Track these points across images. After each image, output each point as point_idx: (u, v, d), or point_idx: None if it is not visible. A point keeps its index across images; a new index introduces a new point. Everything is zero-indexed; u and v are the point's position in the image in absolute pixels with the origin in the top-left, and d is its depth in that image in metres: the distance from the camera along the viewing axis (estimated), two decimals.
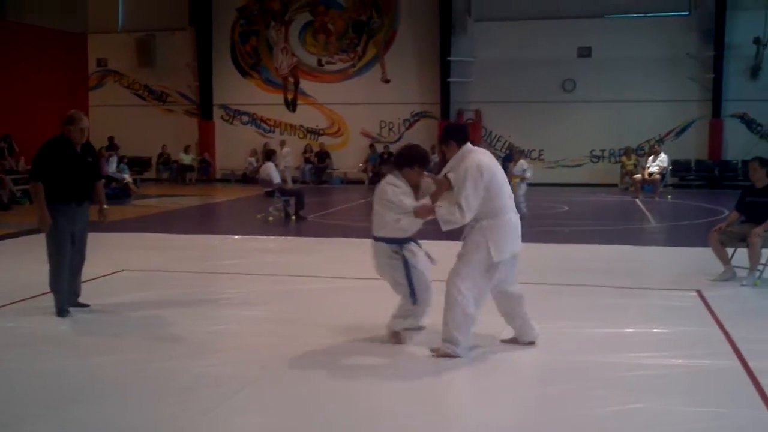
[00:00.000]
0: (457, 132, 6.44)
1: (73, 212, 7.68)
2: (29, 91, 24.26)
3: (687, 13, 26.71)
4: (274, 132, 29.92)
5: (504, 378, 5.91)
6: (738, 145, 26.12)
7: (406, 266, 6.45)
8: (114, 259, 10.80)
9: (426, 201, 6.31)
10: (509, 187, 6.38)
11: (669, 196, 22.13)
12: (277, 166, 17.30)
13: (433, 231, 6.62)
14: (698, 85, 26.64)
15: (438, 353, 6.21)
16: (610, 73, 26.80)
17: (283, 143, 27.66)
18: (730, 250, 9.67)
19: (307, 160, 29.06)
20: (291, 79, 29.83)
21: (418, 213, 6.27)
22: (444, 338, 6.21)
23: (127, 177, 23.17)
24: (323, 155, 29.08)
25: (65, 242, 7.63)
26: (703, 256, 10.41)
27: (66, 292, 7.73)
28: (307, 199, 17.17)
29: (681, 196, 22.57)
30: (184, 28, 30.02)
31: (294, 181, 25.31)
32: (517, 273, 6.50)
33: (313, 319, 7.57)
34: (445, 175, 6.23)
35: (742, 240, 9.44)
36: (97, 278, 9.32)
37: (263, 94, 30.03)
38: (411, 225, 6.40)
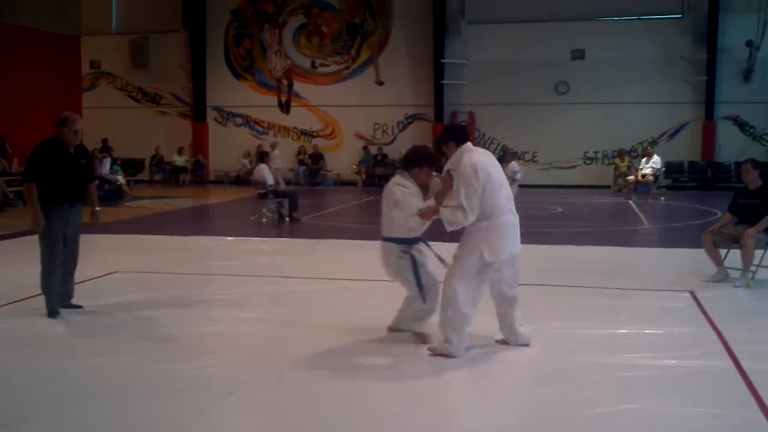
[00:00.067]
0: (455, 132, 6.47)
1: (66, 213, 7.68)
2: (23, 92, 24.26)
3: (680, 15, 26.77)
4: (267, 134, 29.89)
5: (500, 378, 5.93)
6: (731, 147, 26.19)
7: (414, 265, 6.48)
8: (107, 260, 10.79)
9: (431, 202, 6.34)
10: (508, 188, 6.38)
11: (662, 198, 22.18)
12: (270, 168, 17.28)
13: (437, 233, 6.65)
14: (691, 88, 26.70)
15: (435, 352, 6.25)
16: (603, 75, 26.83)
17: (274, 145, 27.61)
18: (723, 252, 9.70)
19: (300, 162, 29.05)
20: (285, 81, 29.81)
21: (423, 214, 6.30)
22: (441, 338, 6.24)
23: (121, 179, 23.12)
24: (317, 157, 29.07)
25: (57, 243, 7.63)
26: (696, 258, 10.44)
27: (57, 293, 7.72)
28: (301, 200, 17.16)
29: (674, 198, 22.62)
30: (178, 30, 29.97)
31: (288, 182, 25.30)
32: (517, 277, 6.51)
33: (307, 320, 7.58)
34: (448, 171, 6.24)
35: (735, 241, 9.47)
36: (90, 279, 9.31)
37: (257, 96, 30.01)
38: (419, 225, 6.42)
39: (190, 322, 7.55)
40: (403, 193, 6.42)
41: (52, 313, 7.63)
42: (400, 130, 28.96)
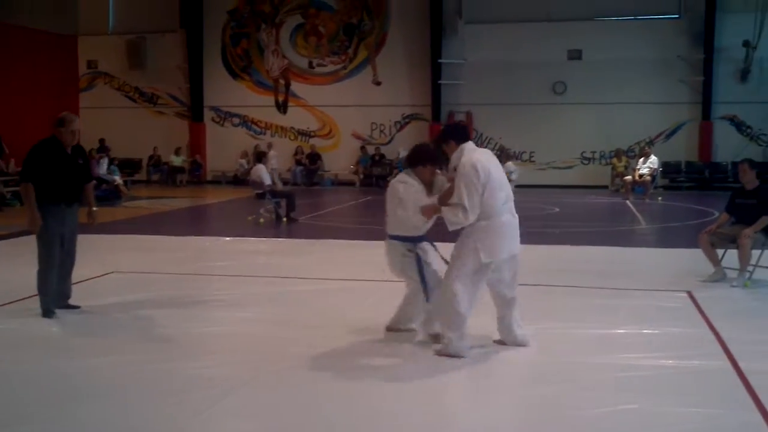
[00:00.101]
0: (455, 131, 6.48)
1: (63, 213, 7.69)
2: (20, 92, 24.20)
3: (677, 16, 26.81)
4: (265, 134, 29.89)
5: (498, 379, 5.94)
6: (728, 147, 26.23)
7: (419, 263, 6.49)
8: (104, 260, 10.77)
9: (433, 200, 6.35)
10: (509, 188, 6.37)
11: (659, 198, 22.20)
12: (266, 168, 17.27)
13: (437, 232, 6.67)
14: (688, 88, 26.74)
15: (441, 353, 6.26)
16: (600, 75, 26.87)
17: (269, 146, 27.62)
18: (720, 252, 9.71)
19: (298, 162, 29.04)
20: (282, 81, 29.81)
21: (424, 212, 6.31)
22: (443, 339, 6.26)
23: (118, 179, 23.09)
24: (314, 157, 29.06)
25: (54, 244, 7.63)
26: (693, 258, 10.44)
27: (53, 293, 7.72)
28: (298, 200, 17.16)
29: (671, 198, 22.65)
30: (175, 31, 29.97)
31: (285, 183, 25.29)
32: (517, 277, 6.52)
33: (305, 320, 7.58)
34: (455, 168, 6.24)
35: (732, 241, 9.49)
36: (87, 280, 9.30)
37: (254, 96, 30.01)
38: (422, 222, 6.43)
39: (189, 322, 7.55)
40: (406, 191, 6.44)
41: (47, 313, 7.63)
42: (398, 130, 28.97)
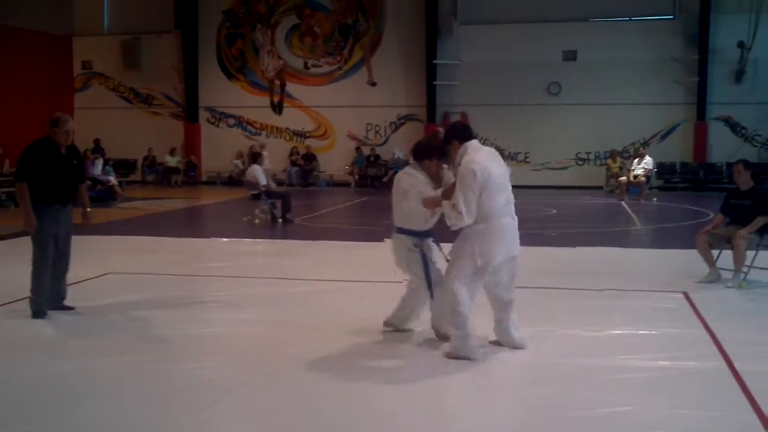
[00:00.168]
0: (457, 130, 6.45)
1: (57, 214, 7.69)
2: (14, 92, 24.20)
3: (672, 16, 26.85)
4: (260, 134, 29.87)
5: (496, 380, 5.94)
6: (722, 147, 26.28)
7: (425, 260, 6.51)
8: (100, 261, 10.76)
9: (437, 193, 6.35)
10: (509, 190, 6.35)
11: (654, 199, 22.24)
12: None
13: (439, 231, 6.70)
14: (683, 89, 26.79)
15: (450, 356, 6.27)
16: (595, 76, 26.90)
17: (262, 147, 27.58)
18: (715, 252, 9.73)
19: (293, 163, 29.02)
20: (277, 82, 29.80)
21: (425, 203, 6.33)
22: (450, 342, 6.29)
23: (113, 179, 23.06)
24: (310, 157, 29.05)
25: (49, 244, 7.64)
26: (688, 258, 10.46)
27: (46, 294, 7.73)
28: (294, 201, 17.14)
29: (666, 199, 22.68)
30: (170, 31, 29.93)
31: (280, 183, 25.30)
32: (515, 280, 6.52)
33: (302, 321, 7.58)
34: (459, 165, 6.24)
35: (728, 242, 9.51)
36: (83, 281, 9.30)
37: (249, 97, 29.98)
38: (424, 214, 6.44)
39: (185, 323, 7.55)
40: (410, 183, 6.46)
41: (38, 313, 7.63)
42: (393, 131, 28.98)
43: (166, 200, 22.36)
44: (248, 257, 11.86)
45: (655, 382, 5.79)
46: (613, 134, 26.66)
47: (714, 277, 9.52)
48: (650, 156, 22.83)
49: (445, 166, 6.61)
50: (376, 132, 29.15)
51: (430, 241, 6.66)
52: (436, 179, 6.58)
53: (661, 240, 14.39)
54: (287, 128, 29.83)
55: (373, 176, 28.16)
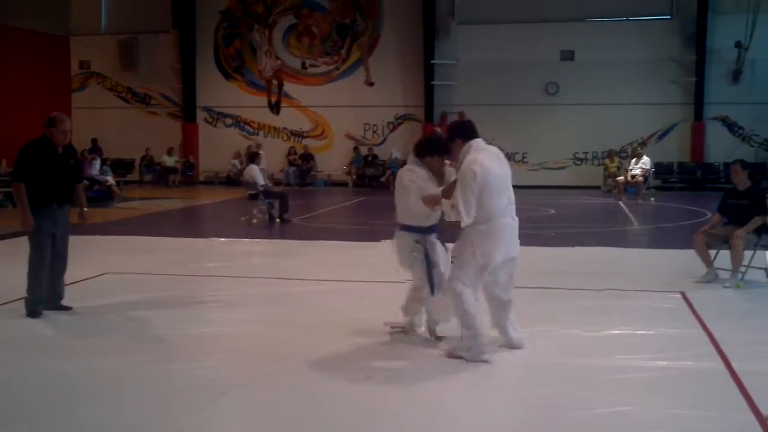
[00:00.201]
0: (460, 129, 6.42)
1: (55, 214, 7.70)
2: (12, 92, 24.18)
3: (669, 17, 26.88)
4: (257, 134, 29.85)
5: (495, 380, 5.94)
6: (720, 147, 26.32)
7: (427, 258, 6.50)
8: (98, 261, 10.75)
9: (437, 190, 6.34)
10: (511, 191, 6.33)
11: (652, 199, 22.25)
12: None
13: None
14: (680, 89, 26.81)
15: (450, 355, 6.28)
16: (593, 76, 26.92)
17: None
18: (712, 252, 9.74)
19: (291, 163, 29.02)
20: (275, 82, 29.79)
21: (425, 200, 6.32)
22: (462, 342, 6.25)
23: (110, 179, 23.05)
24: (307, 157, 29.03)
25: (46, 244, 7.64)
26: (686, 258, 10.46)
27: (42, 294, 7.73)
28: (291, 201, 17.13)
29: (664, 199, 22.69)
30: (167, 31, 29.91)
31: (278, 183, 25.31)
32: (513, 280, 6.53)
33: (301, 321, 7.58)
34: (461, 162, 6.22)
35: (725, 242, 9.51)
36: (81, 281, 9.29)
37: (247, 97, 29.98)
38: (424, 210, 6.42)
39: (184, 323, 7.55)
40: (411, 179, 6.44)
41: (32, 313, 7.64)
42: (391, 131, 28.98)
43: (163, 200, 22.36)
44: (246, 257, 11.86)
45: (654, 382, 5.80)
46: (610, 134, 26.69)
47: (711, 277, 9.53)
48: (648, 156, 22.89)
49: (447, 162, 6.60)
50: (374, 132, 29.15)
51: (433, 238, 6.61)
52: (438, 176, 6.56)
53: (659, 240, 14.40)
54: (285, 128, 29.82)
55: (370, 176, 28.17)
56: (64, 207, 7.84)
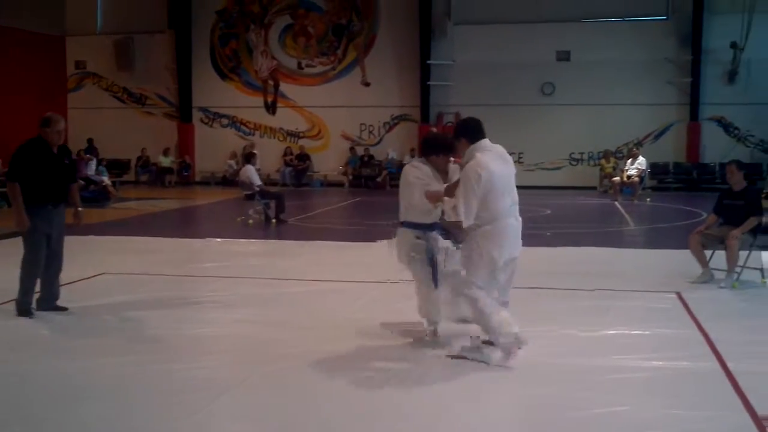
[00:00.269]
0: (465, 129, 6.38)
1: (50, 214, 7.69)
2: (7, 92, 24.13)
3: (665, 17, 26.90)
4: (253, 135, 29.84)
5: (491, 380, 5.93)
6: (715, 148, 26.36)
7: (430, 255, 6.50)
8: (94, 262, 10.74)
9: (440, 187, 6.35)
10: (514, 192, 6.33)
11: (648, 199, 22.27)
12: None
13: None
14: (676, 89, 26.85)
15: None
16: (589, 76, 26.94)
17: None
18: (708, 253, 9.75)
19: (287, 163, 29.01)
20: (271, 82, 29.77)
21: (428, 196, 6.32)
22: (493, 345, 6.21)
23: (106, 179, 23.02)
24: (303, 157, 29.01)
25: (41, 245, 7.64)
26: (682, 258, 10.48)
27: (39, 294, 7.75)
28: (287, 201, 17.13)
29: (659, 199, 22.73)
30: (163, 31, 29.88)
31: (274, 183, 25.29)
32: (512, 281, 6.55)
33: (298, 321, 7.59)
34: (466, 164, 6.21)
35: (721, 242, 9.53)
36: (78, 281, 9.29)
37: (243, 97, 29.95)
38: (426, 206, 6.42)
39: (181, 323, 7.56)
40: (416, 176, 6.45)
41: (24, 312, 7.65)
42: (387, 131, 28.98)
43: (159, 200, 22.33)
44: (242, 257, 11.84)
45: (650, 382, 5.82)
46: (606, 134, 26.71)
47: (707, 278, 9.55)
48: (643, 156, 22.87)
49: (452, 160, 6.59)
50: (370, 132, 29.14)
51: (435, 234, 6.59)
52: (443, 174, 6.56)
53: (655, 240, 14.42)
54: (281, 128, 29.81)
55: (366, 176, 28.16)
56: (60, 207, 7.84)
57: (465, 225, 6.04)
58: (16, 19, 25.32)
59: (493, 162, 6.14)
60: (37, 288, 7.87)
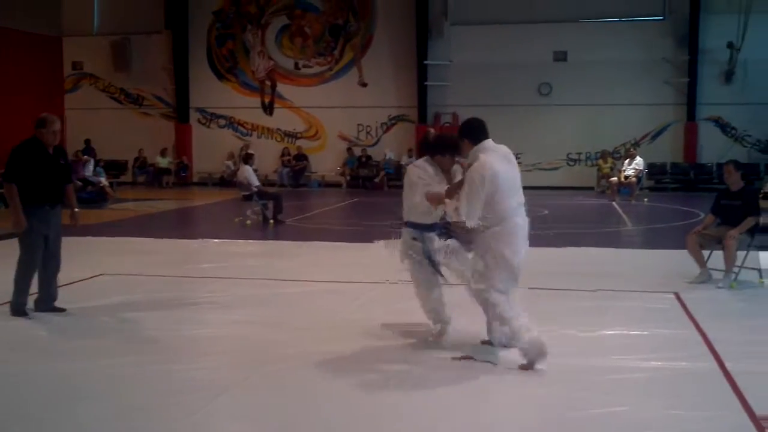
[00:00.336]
0: (469, 129, 6.34)
1: (47, 215, 7.70)
2: (4, 93, 24.06)
3: (662, 17, 26.91)
4: (251, 135, 29.83)
5: (490, 380, 5.94)
6: (713, 148, 26.37)
7: (426, 254, 6.48)
8: (93, 262, 10.74)
9: (442, 188, 6.33)
10: (520, 192, 6.32)
11: (645, 199, 22.29)
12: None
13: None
14: (673, 89, 26.87)
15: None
16: (586, 76, 26.94)
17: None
18: (705, 253, 9.77)
19: (284, 164, 29.00)
20: (268, 83, 29.75)
21: (429, 197, 6.31)
22: (520, 350, 6.14)
23: (104, 180, 23.00)
24: (301, 158, 29.00)
25: (38, 246, 7.65)
26: (679, 259, 10.48)
27: (28, 293, 7.76)
28: (285, 202, 17.13)
29: (657, 199, 22.74)
30: (160, 32, 29.85)
31: (272, 184, 25.27)
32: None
33: (296, 322, 7.59)
34: (470, 165, 6.19)
35: (718, 242, 9.54)
36: (76, 282, 9.29)
37: (240, 98, 29.93)
38: (427, 207, 6.41)
39: (179, 324, 7.55)
40: (419, 176, 6.44)
41: (18, 312, 7.66)
42: (384, 132, 28.98)
43: (157, 201, 22.32)
44: (240, 258, 11.84)
45: (649, 382, 5.82)
46: (603, 135, 26.72)
47: (705, 278, 9.56)
48: (641, 156, 22.91)
49: (457, 159, 6.58)
50: (367, 133, 29.14)
51: (432, 235, 6.55)
52: (447, 175, 6.55)
53: (652, 240, 14.44)
54: (278, 129, 29.79)
55: (364, 177, 28.16)
56: (57, 208, 7.84)
57: (468, 226, 6.03)
58: (12, 19, 25.25)
59: (498, 163, 6.12)
60: (35, 289, 7.88)
